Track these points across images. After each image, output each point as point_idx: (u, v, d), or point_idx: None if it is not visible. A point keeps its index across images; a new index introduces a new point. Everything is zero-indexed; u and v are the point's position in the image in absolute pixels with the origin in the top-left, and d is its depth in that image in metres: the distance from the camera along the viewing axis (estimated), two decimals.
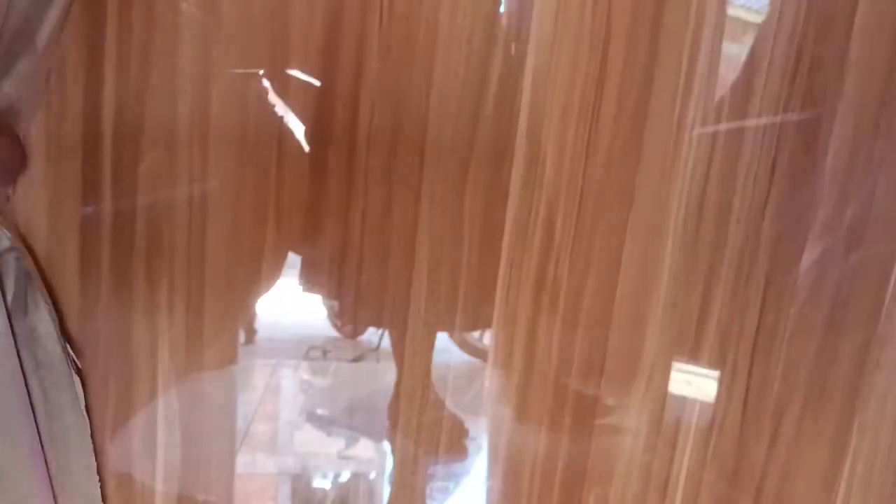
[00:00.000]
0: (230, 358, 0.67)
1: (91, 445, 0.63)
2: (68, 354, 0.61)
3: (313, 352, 0.69)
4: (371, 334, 0.70)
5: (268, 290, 0.66)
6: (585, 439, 0.73)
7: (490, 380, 0.70)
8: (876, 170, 0.71)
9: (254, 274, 0.65)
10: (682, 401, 0.74)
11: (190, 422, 0.67)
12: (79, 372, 0.64)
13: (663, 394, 0.73)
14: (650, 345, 0.72)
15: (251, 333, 0.68)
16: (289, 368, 0.70)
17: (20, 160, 0.58)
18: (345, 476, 0.75)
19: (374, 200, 0.64)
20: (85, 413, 0.62)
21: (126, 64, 0.58)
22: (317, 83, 0.60)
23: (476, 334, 0.71)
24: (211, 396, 0.67)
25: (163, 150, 0.60)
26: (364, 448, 0.72)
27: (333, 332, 0.69)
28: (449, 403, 0.70)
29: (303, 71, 0.61)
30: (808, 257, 0.72)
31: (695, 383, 0.73)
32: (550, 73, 0.65)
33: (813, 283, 0.73)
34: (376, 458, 0.73)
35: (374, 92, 0.62)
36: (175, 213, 0.63)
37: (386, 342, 0.70)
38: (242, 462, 0.70)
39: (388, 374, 0.70)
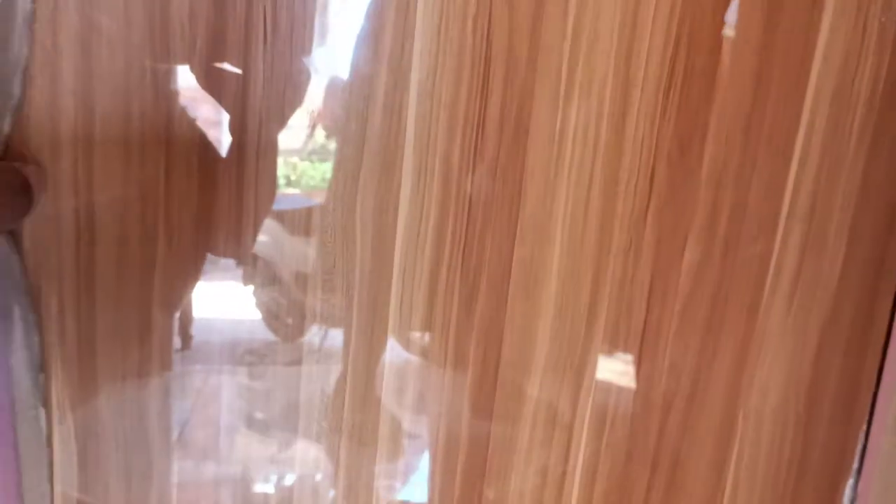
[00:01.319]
0: (165, 365, 0.68)
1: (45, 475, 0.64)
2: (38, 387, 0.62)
3: (249, 356, 0.70)
4: (313, 335, 0.71)
5: (176, 304, 0.67)
6: (483, 441, 0.76)
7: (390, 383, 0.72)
8: (749, 174, 0.75)
9: (147, 289, 0.66)
10: (575, 397, 0.77)
11: (120, 433, 0.67)
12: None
13: (556, 392, 0.76)
14: (541, 345, 0.75)
15: (187, 339, 0.69)
16: (225, 374, 0.70)
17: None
18: (288, 479, 0.75)
19: (263, 212, 0.66)
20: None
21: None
22: (238, 71, 0.61)
23: (418, 332, 0.73)
24: (144, 405, 0.68)
25: (47, 161, 0.60)
26: (306, 450, 0.73)
27: (270, 336, 0.70)
28: (387, 402, 0.72)
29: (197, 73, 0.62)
30: (689, 258, 0.76)
31: (586, 382, 0.76)
32: (435, 86, 0.67)
33: (694, 282, 0.77)
34: (320, 460, 0.74)
35: (262, 105, 0.64)
36: (61, 229, 0.63)
37: (328, 343, 0.71)
38: (181, 470, 0.70)
39: (326, 376, 0.71)
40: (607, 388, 0.77)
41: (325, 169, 0.68)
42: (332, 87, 0.65)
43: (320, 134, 0.65)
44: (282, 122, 0.63)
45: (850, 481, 0.87)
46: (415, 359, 0.72)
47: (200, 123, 0.63)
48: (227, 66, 0.61)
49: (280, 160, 0.66)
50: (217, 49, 0.62)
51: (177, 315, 0.67)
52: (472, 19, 0.66)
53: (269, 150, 0.64)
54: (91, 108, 0.61)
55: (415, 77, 0.66)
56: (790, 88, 0.74)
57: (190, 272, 0.66)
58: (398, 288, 0.71)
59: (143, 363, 0.67)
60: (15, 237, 0.60)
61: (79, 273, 0.64)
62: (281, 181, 0.67)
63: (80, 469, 0.68)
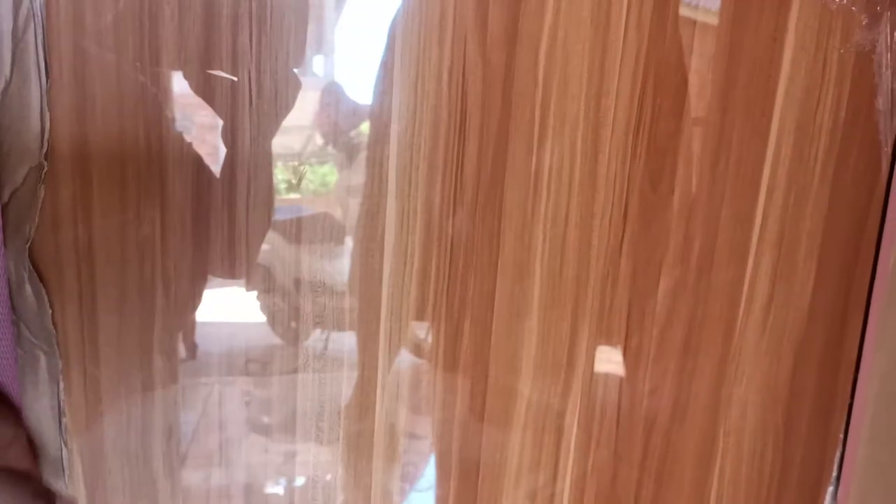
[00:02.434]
0: (170, 378, 0.71)
1: None
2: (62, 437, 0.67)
3: (252, 365, 0.73)
4: (315, 340, 0.74)
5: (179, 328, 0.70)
6: (474, 468, 0.80)
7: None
8: (718, 205, 0.79)
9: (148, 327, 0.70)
10: (560, 423, 0.81)
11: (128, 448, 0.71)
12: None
13: (542, 419, 0.80)
14: (526, 375, 0.78)
15: (192, 349, 0.72)
16: (229, 385, 0.73)
17: None
18: (298, 482, 0.77)
19: (255, 258, 0.69)
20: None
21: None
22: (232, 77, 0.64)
23: (422, 334, 0.76)
24: (148, 419, 0.71)
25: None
26: (315, 454, 0.76)
27: (273, 342, 0.72)
28: (394, 406, 0.76)
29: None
30: (664, 286, 0.80)
31: (570, 408, 0.80)
32: (414, 137, 0.71)
33: (670, 308, 0.81)
34: (329, 462, 0.76)
35: (249, 158, 0.67)
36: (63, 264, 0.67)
37: (332, 347, 0.75)
38: (188, 480, 0.73)
39: (332, 381, 0.75)
40: (591, 412, 0.81)
41: (325, 172, 0.71)
42: (329, 92, 0.68)
43: (319, 138, 0.68)
44: (266, 182, 0.67)
45: (830, 489, 0.91)
46: (403, 400, 0.75)
47: (193, 183, 0.67)
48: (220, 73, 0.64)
49: (279, 164, 0.69)
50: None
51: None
52: (448, 73, 0.70)
53: (265, 163, 0.67)
54: (89, 165, 0.65)
55: (395, 129, 0.70)
56: (755, 122, 0.78)
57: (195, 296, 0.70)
58: (386, 328, 0.74)
59: (166, 372, 0.70)
60: (45, 285, 0.64)
61: (82, 320, 0.67)
62: (281, 186, 0.70)
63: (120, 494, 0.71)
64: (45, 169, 0.63)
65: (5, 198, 0.63)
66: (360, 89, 0.69)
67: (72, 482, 0.70)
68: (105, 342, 0.67)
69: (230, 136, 0.67)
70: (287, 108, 0.67)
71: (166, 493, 0.73)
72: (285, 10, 0.66)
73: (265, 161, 0.68)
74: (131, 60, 0.63)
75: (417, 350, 0.75)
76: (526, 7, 0.70)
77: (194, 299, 0.70)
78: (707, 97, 0.75)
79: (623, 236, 0.78)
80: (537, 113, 0.73)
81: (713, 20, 0.75)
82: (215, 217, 0.68)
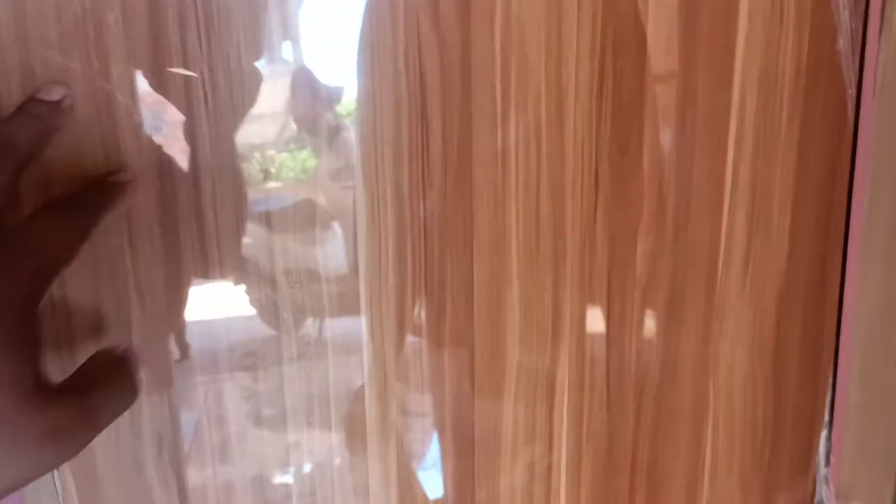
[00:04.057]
0: (165, 381, 0.71)
1: None
2: None
3: (248, 358, 0.73)
4: (310, 327, 0.74)
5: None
6: (468, 448, 0.80)
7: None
8: (688, 164, 0.79)
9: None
10: (550, 396, 0.81)
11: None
12: None
13: (532, 394, 0.80)
14: (511, 351, 0.78)
15: (185, 349, 0.72)
16: (226, 381, 0.72)
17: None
18: (306, 469, 0.77)
19: (228, 260, 0.69)
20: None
21: None
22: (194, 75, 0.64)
23: (416, 311, 0.76)
24: (146, 427, 0.71)
25: None
26: (320, 441, 0.76)
27: (267, 333, 0.72)
28: (391, 386, 0.76)
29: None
30: (642, 249, 0.80)
31: (560, 377, 0.80)
32: (376, 123, 0.70)
33: (650, 270, 0.81)
34: (336, 447, 0.77)
35: (210, 163, 0.67)
36: None
37: (326, 333, 0.74)
38: (193, 480, 0.73)
39: (331, 367, 0.75)
40: (580, 382, 0.81)
41: (305, 157, 0.70)
42: (299, 78, 0.67)
43: (294, 125, 0.67)
44: (233, 184, 0.66)
45: (824, 433, 0.92)
46: (391, 384, 0.75)
47: (158, 196, 0.66)
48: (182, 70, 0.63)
49: (257, 154, 0.68)
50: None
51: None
52: (403, 56, 0.69)
53: (230, 161, 0.66)
54: (49, 185, 0.64)
55: (356, 117, 0.69)
56: (717, 77, 0.77)
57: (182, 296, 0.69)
58: (367, 316, 0.74)
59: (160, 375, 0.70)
60: None
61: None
62: (260, 176, 0.69)
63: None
64: None
65: None
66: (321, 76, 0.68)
67: (65, 501, 0.70)
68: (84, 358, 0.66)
69: (190, 136, 0.66)
70: (249, 101, 0.66)
71: (168, 501, 0.73)
72: (232, 6, 0.64)
73: (232, 156, 0.67)
74: (81, 71, 0.61)
75: (413, 330, 0.75)
76: None
77: (176, 304, 0.70)
78: (668, 54, 0.75)
79: (596, 203, 0.77)
80: (498, 88, 0.72)
81: None
82: (183, 220, 0.68)
